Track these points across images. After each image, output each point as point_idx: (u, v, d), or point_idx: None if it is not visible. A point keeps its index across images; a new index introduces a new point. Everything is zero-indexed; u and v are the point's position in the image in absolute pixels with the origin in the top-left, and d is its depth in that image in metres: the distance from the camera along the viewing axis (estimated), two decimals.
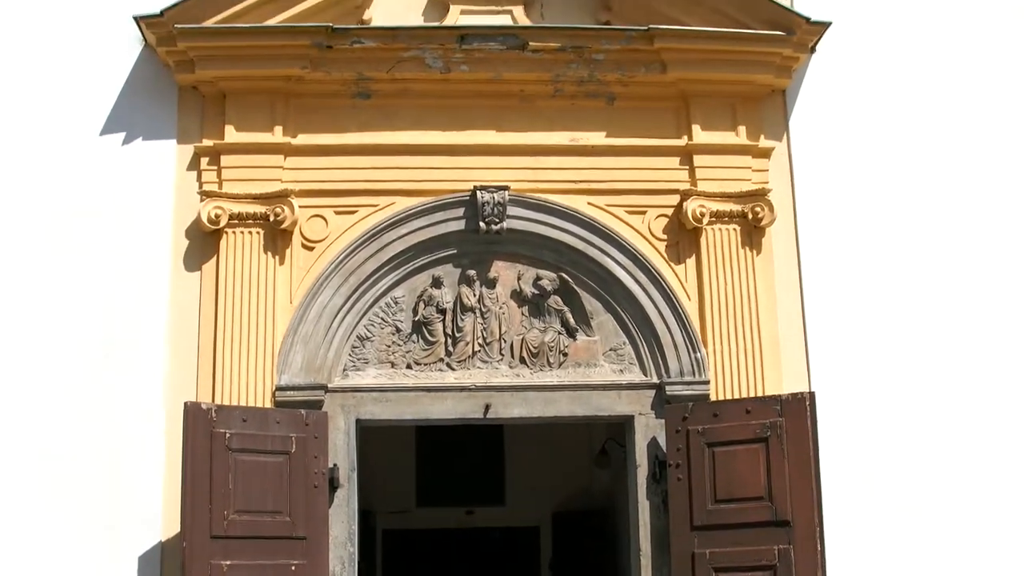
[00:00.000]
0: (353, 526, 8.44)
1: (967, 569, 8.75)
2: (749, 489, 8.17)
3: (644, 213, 9.03)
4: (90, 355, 8.55)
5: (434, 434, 12.38)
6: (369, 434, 8.96)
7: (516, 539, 13.76)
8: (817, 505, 8.07)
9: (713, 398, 8.63)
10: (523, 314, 8.92)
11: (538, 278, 8.94)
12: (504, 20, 9.22)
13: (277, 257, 8.71)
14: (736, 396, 8.60)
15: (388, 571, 13.35)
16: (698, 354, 8.74)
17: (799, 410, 8.19)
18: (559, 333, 8.90)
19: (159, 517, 8.31)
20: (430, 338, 8.80)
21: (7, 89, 8.93)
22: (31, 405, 8.45)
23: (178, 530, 7.94)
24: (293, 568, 8.04)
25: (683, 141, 9.11)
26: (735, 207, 8.93)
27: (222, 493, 7.89)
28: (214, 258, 8.69)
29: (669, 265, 8.93)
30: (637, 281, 8.88)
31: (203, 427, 7.93)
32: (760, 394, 8.58)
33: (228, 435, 7.98)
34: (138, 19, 8.79)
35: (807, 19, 9.07)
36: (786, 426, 8.17)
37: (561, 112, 9.13)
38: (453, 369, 8.77)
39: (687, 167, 9.07)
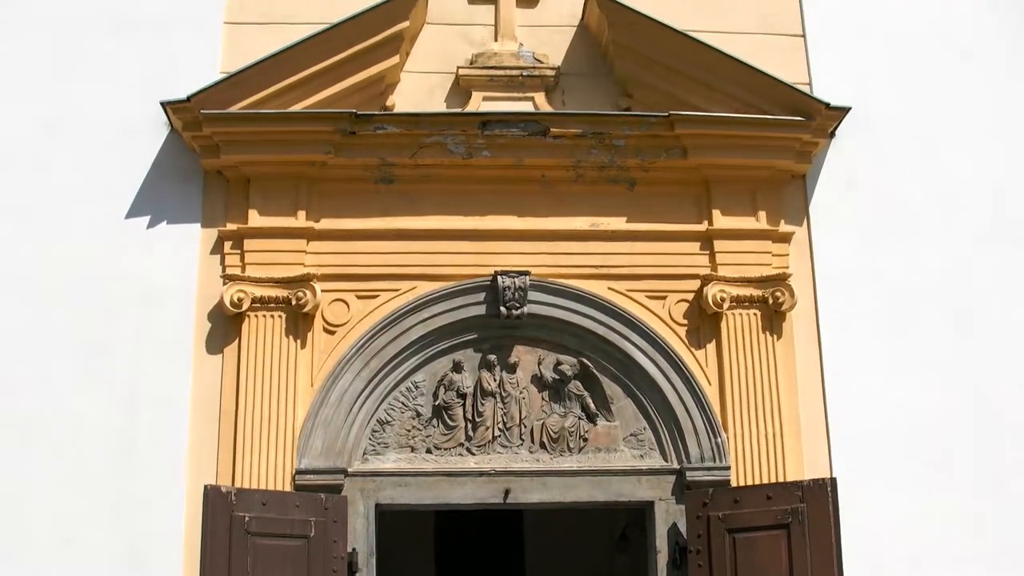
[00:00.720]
0: None
1: None
2: (771, 575, 8.04)
3: (664, 298, 8.98)
4: (113, 437, 8.51)
5: (454, 519, 12.23)
6: (388, 519, 8.86)
7: None
8: None
9: (734, 483, 8.54)
10: (543, 399, 8.86)
11: (558, 363, 8.88)
12: (526, 107, 9.25)
13: (299, 340, 8.68)
14: (757, 481, 8.53)
15: None
16: (719, 439, 8.65)
17: (821, 496, 8.08)
18: (579, 418, 8.82)
19: None
20: (450, 422, 8.74)
21: (35, 172, 8.98)
22: (54, 487, 8.39)
23: None
24: None
25: (703, 226, 9.09)
26: (755, 292, 8.89)
27: None
28: (236, 341, 8.67)
29: (689, 350, 8.87)
30: (657, 366, 8.82)
31: (223, 510, 7.86)
32: (781, 479, 8.49)
33: (247, 518, 7.90)
34: (165, 104, 8.84)
35: (826, 104, 9.07)
36: (808, 512, 8.07)
37: (582, 197, 9.12)
38: (473, 454, 8.69)
39: (707, 252, 9.05)
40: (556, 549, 13.14)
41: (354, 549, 8.29)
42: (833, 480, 8.19)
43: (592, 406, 8.83)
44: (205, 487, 7.94)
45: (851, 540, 8.26)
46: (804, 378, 8.89)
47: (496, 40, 9.52)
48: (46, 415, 8.52)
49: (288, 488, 8.34)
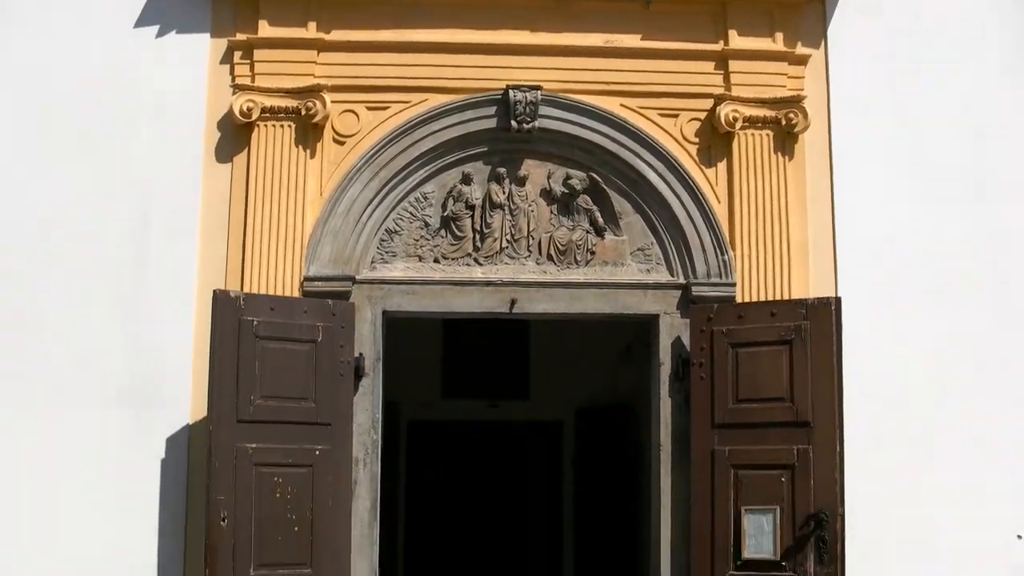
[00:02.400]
0: (377, 414, 8.36)
1: (986, 471, 8.64)
2: (771, 390, 8.05)
3: (677, 116, 8.79)
4: (123, 244, 8.46)
5: (461, 328, 12.33)
6: (396, 326, 8.84)
7: (539, 433, 13.68)
8: (838, 408, 7.95)
9: (739, 300, 8.48)
10: (552, 212, 8.73)
11: (568, 177, 8.73)
12: None
13: (308, 150, 8.55)
14: (762, 299, 8.45)
15: (412, 462, 13.35)
16: (725, 256, 8.55)
17: (824, 314, 8.04)
18: (587, 232, 8.72)
19: (187, 401, 8.26)
20: (458, 233, 8.64)
21: None
22: (64, 294, 8.38)
23: (205, 414, 7.91)
24: (317, 453, 7.98)
25: (719, 46, 8.84)
26: (769, 113, 8.68)
27: (249, 379, 7.82)
28: (245, 150, 8.54)
29: (700, 168, 8.72)
30: (667, 183, 8.67)
31: (231, 315, 7.84)
32: (785, 297, 8.41)
33: (256, 323, 7.89)
34: None
35: None
36: (811, 329, 8.02)
37: (596, 13, 8.86)
38: (480, 264, 8.61)
39: (722, 72, 8.81)
40: (561, 360, 13.18)
41: (361, 354, 8.28)
42: (838, 299, 8.12)
43: (600, 220, 8.71)
44: (214, 292, 7.92)
45: (852, 360, 8.22)
46: (813, 200, 8.73)
47: None
48: (55, 225, 8.45)
49: (296, 295, 8.30)
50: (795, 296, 8.41)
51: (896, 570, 8.46)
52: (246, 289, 8.23)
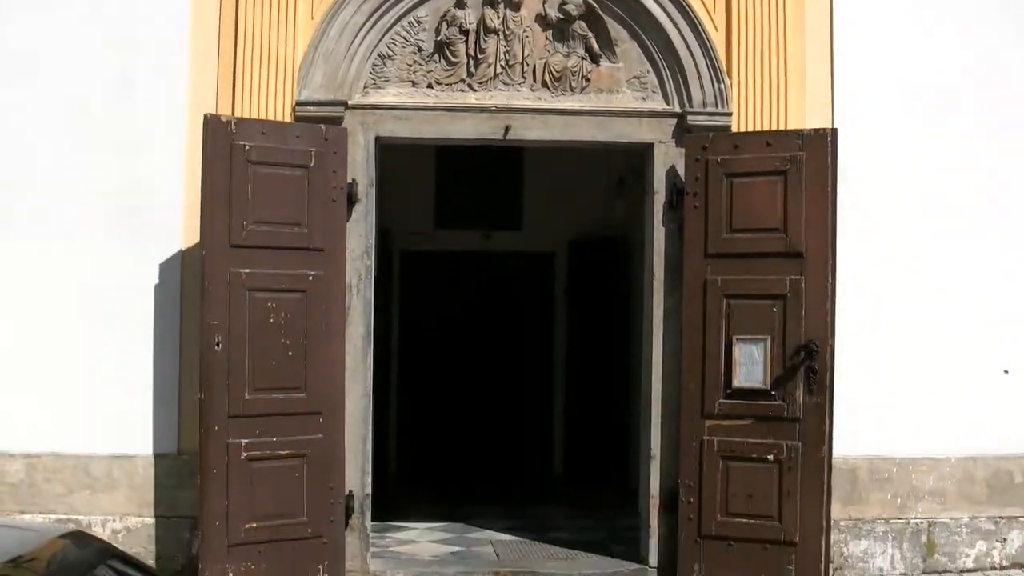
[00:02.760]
0: (370, 240, 8.36)
1: (977, 305, 8.73)
2: (765, 220, 8.06)
3: None
4: (112, 71, 8.33)
5: (454, 156, 12.19)
6: (389, 155, 8.83)
7: (532, 264, 13.69)
8: (831, 238, 7.98)
9: (734, 130, 8.41)
10: (547, 38, 8.58)
11: (564, 2, 8.55)
12: None
13: None
14: (758, 129, 8.38)
15: (405, 291, 13.38)
16: (722, 85, 8.46)
17: (820, 145, 7.99)
18: (582, 59, 8.58)
19: (180, 227, 8.27)
20: (452, 59, 8.51)
21: None
22: (53, 123, 8.31)
23: (198, 240, 7.91)
24: (310, 278, 8.00)
25: None
26: None
27: (241, 204, 7.80)
28: None
29: None
30: (664, 9, 8.51)
31: (223, 139, 7.78)
32: (782, 128, 8.34)
33: (247, 147, 7.83)
34: None
35: None
36: (806, 160, 7.99)
37: None
38: (474, 90, 8.51)
39: None
40: (555, 191, 13.13)
41: (354, 180, 8.23)
42: (834, 130, 8.08)
43: (596, 47, 8.57)
44: (205, 116, 7.83)
45: (846, 191, 8.22)
46: (813, 29, 8.58)
47: None
48: (43, 53, 8.31)
49: (289, 119, 8.21)
50: (791, 126, 8.35)
51: (885, 401, 8.58)
52: (238, 114, 8.14)
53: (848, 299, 8.28)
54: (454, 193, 13.36)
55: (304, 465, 7.99)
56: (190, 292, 8.09)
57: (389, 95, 8.46)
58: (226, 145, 7.77)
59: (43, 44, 8.30)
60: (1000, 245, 8.76)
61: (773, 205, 8.05)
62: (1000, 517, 8.74)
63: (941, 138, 8.72)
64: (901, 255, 8.66)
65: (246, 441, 7.80)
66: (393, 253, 12.68)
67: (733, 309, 8.10)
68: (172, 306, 8.25)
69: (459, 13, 8.50)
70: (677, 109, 8.53)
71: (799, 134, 8.11)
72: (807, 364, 7.95)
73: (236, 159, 7.79)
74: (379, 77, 8.48)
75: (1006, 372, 8.73)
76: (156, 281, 8.25)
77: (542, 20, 8.59)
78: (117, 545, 6.46)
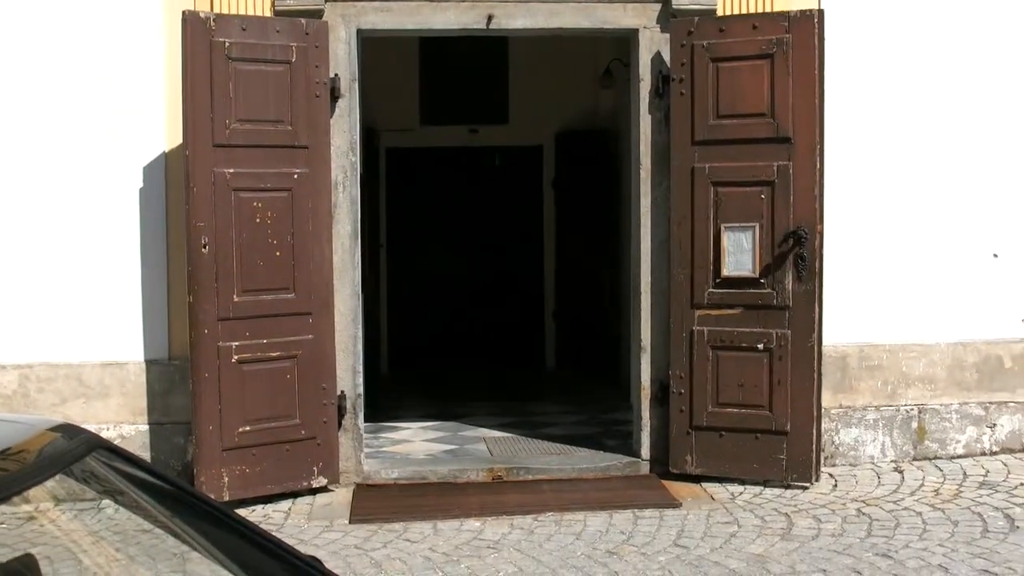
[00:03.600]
0: (355, 136, 8.36)
1: (964, 190, 8.79)
2: (752, 105, 8.05)
3: None
4: None
5: (438, 50, 12.24)
6: (372, 49, 8.80)
7: (519, 158, 13.75)
8: (819, 123, 7.98)
9: (720, 14, 8.37)
10: None
11: None
12: None
13: None
14: (744, 12, 8.36)
15: (392, 189, 13.42)
16: None
17: (807, 27, 7.95)
18: None
19: (161, 127, 8.25)
20: None
21: None
22: (26, 21, 8.24)
23: (181, 140, 7.91)
24: (295, 176, 8.03)
25: None
26: None
27: (223, 102, 7.78)
28: None
29: None
30: None
31: (202, 36, 7.74)
32: (768, 11, 8.32)
33: (228, 44, 7.79)
34: None
35: None
36: (793, 43, 7.96)
37: None
38: None
39: None
40: (540, 83, 13.13)
41: (336, 75, 8.21)
42: (820, 11, 8.04)
43: None
44: (183, 12, 7.77)
45: (834, 74, 8.25)
46: None
47: None
48: None
49: (268, 15, 8.16)
50: (778, 8, 8.32)
51: (875, 287, 8.69)
52: (216, 10, 8.09)
53: (837, 185, 8.35)
54: (439, 88, 13.38)
55: (295, 366, 8.07)
56: (175, 194, 8.11)
57: None
58: (206, 42, 7.73)
59: None
60: (990, 129, 8.78)
61: (760, 90, 8.03)
62: (990, 403, 8.86)
63: (932, 18, 8.71)
64: (890, 140, 8.68)
65: (236, 344, 7.88)
66: (379, 150, 12.68)
67: (721, 197, 8.12)
68: (157, 209, 8.27)
69: None
70: None
71: (785, 16, 8.06)
72: (796, 251, 7.99)
73: (216, 56, 7.75)
74: None
75: (995, 256, 8.81)
76: (140, 185, 8.27)
77: None
78: None
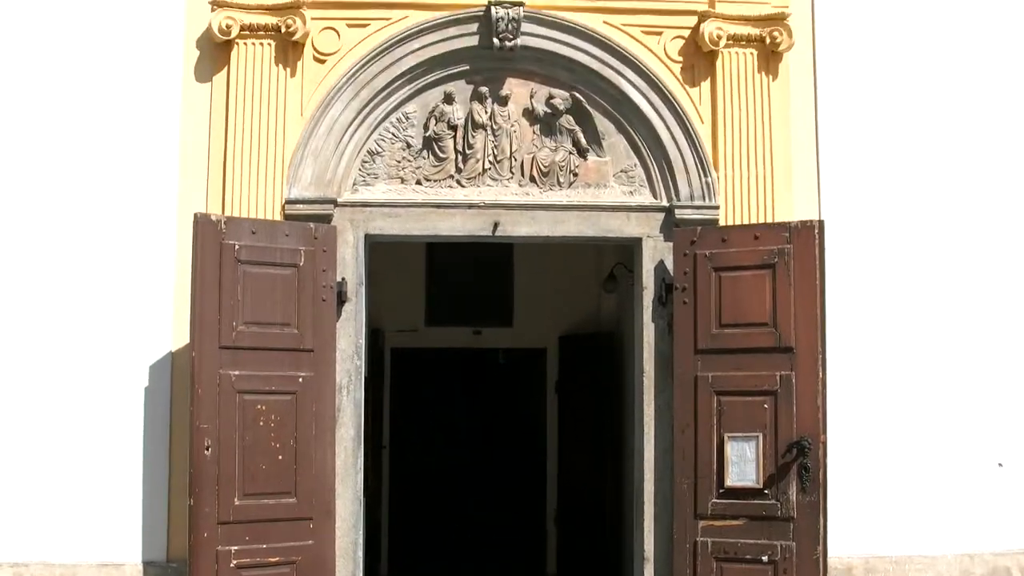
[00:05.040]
0: (360, 340, 8.51)
1: (969, 398, 8.87)
2: (754, 314, 8.20)
3: (660, 34, 8.86)
4: (101, 166, 8.55)
5: (444, 255, 12.47)
6: (379, 252, 9.01)
7: (523, 360, 13.92)
8: (821, 332, 8.09)
9: (723, 223, 8.62)
10: (534, 133, 8.84)
11: (551, 97, 8.83)
12: None
13: (288, 69, 8.62)
14: (746, 222, 8.60)
15: (396, 389, 13.53)
16: (709, 178, 8.68)
17: (808, 237, 8.16)
18: (570, 153, 8.83)
19: (169, 328, 8.41)
20: (440, 154, 8.76)
21: None
22: (42, 216, 8.50)
23: (187, 340, 8.04)
24: (300, 380, 8.15)
25: None
26: (753, 31, 8.77)
27: (231, 304, 7.96)
28: (225, 70, 8.61)
29: (683, 88, 8.81)
30: (650, 103, 8.77)
31: (212, 238, 7.96)
32: (770, 221, 8.56)
33: (237, 247, 8.01)
34: None
35: None
36: (794, 253, 8.16)
37: None
38: (463, 186, 8.74)
39: None
40: (545, 286, 13.37)
41: (343, 279, 8.41)
42: (821, 222, 8.24)
43: (583, 141, 8.83)
44: (195, 215, 8.00)
45: (835, 284, 8.46)
46: (798, 121, 8.85)
47: None
48: (34, 143, 8.55)
49: (278, 218, 8.42)
50: (779, 218, 8.56)
51: (879, 498, 8.69)
52: (227, 212, 8.34)
53: (840, 394, 8.46)
54: (444, 289, 13.59)
55: (294, 572, 8.06)
56: (180, 395, 8.20)
57: (378, 192, 8.69)
58: (216, 245, 7.95)
59: (30, 130, 8.56)
60: (991, 336, 8.91)
61: (762, 299, 8.20)
62: None
63: (929, 227, 8.93)
64: (893, 347, 8.81)
65: (236, 548, 7.87)
66: (384, 350, 12.84)
67: (724, 406, 8.19)
68: (162, 409, 8.36)
69: (447, 108, 8.77)
70: (665, 203, 8.75)
71: (786, 226, 8.28)
72: (800, 462, 8.03)
73: (226, 259, 7.96)
74: (368, 174, 8.72)
75: (1000, 465, 8.85)
76: (146, 384, 8.39)
77: (529, 115, 8.85)
78: None
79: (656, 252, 8.68)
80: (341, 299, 8.40)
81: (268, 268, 8.12)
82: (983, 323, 8.94)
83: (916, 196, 8.94)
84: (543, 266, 13.03)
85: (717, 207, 8.66)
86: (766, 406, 8.13)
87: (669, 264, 8.56)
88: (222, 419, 7.88)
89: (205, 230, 7.96)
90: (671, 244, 8.57)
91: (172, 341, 8.40)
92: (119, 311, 8.44)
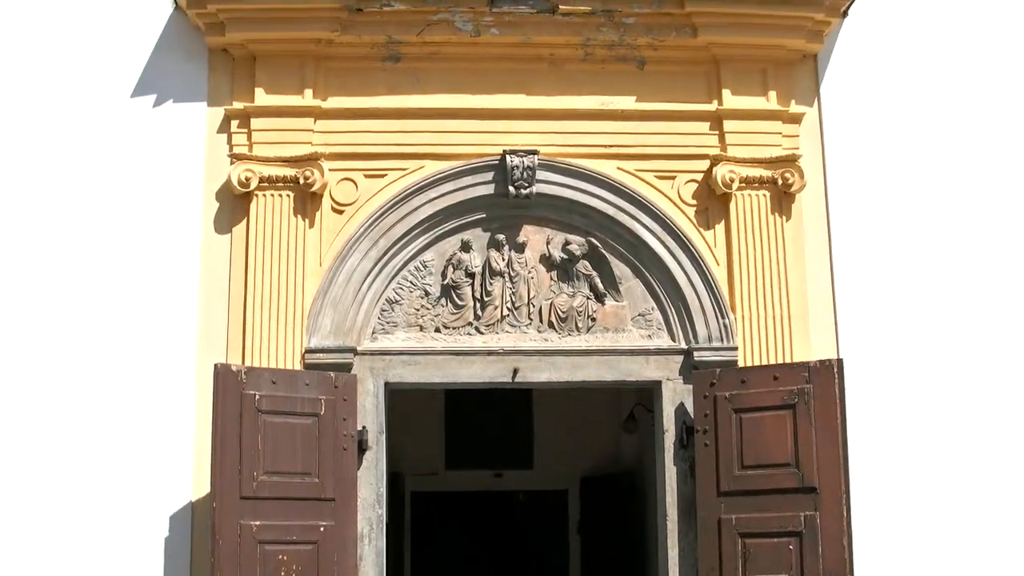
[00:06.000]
0: (381, 488, 8.52)
1: (997, 537, 8.79)
2: (776, 455, 8.21)
3: (674, 178, 9.02)
4: (123, 318, 8.66)
5: (463, 397, 12.42)
6: (398, 396, 9.03)
7: (544, 502, 13.91)
8: (844, 472, 8.08)
9: (741, 364, 8.65)
10: (552, 279, 8.96)
11: (567, 243, 8.96)
12: None
13: (307, 220, 8.76)
14: (764, 363, 8.63)
15: (417, 533, 13.52)
16: (726, 320, 8.76)
17: (827, 377, 8.20)
18: (587, 298, 8.93)
19: (190, 478, 8.43)
20: (459, 302, 8.86)
21: (38, 52, 9.03)
22: (66, 363, 8.58)
23: (208, 491, 8.08)
24: (322, 529, 8.14)
25: (713, 106, 9.08)
26: (765, 173, 8.91)
27: (251, 454, 8.00)
28: (244, 221, 8.76)
29: (698, 230, 8.93)
30: (666, 246, 8.89)
31: (233, 389, 8.02)
32: (788, 361, 8.59)
33: (258, 397, 8.08)
34: None
35: None
36: (814, 393, 8.19)
37: (591, 76, 9.12)
38: (481, 333, 8.83)
39: (717, 132, 9.05)
40: (564, 428, 13.41)
41: (364, 427, 8.46)
42: (840, 361, 8.29)
43: (600, 286, 8.93)
44: (215, 366, 8.07)
45: (856, 421, 8.47)
46: (813, 260, 8.95)
47: None
48: (56, 295, 8.67)
49: (298, 367, 8.48)
50: (797, 358, 8.60)
51: None
52: (247, 362, 8.42)
53: (866, 533, 8.42)
54: (464, 432, 13.63)
55: None
56: (200, 545, 8.19)
57: (398, 340, 8.77)
58: (236, 395, 8.01)
59: (55, 282, 8.72)
60: (1018, 473, 8.87)
61: (783, 440, 8.21)
62: None
63: (947, 365, 8.95)
64: (918, 485, 8.76)
65: None
66: (404, 494, 12.83)
67: (749, 548, 8.13)
68: (182, 560, 8.34)
69: (464, 256, 8.90)
70: (683, 345, 8.81)
71: (805, 366, 8.31)
72: None
73: (246, 409, 8.02)
74: (387, 322, 8.81)
75: None
76: (166, 534, 8.39)
77: (546, 261, 8.97)
78: None
79: (676, 395, 8.71)
80: (362, 447, 8.43)
81: (289, 417, 8.17)
82: (1008, 457, 8.89)
83: (936, 330, 8.98)
84: (562, 407, 13.06)
85: (735, 348, 8.72)
86: (791, 547, 8.08)
87: (689, 406, 8.60)
88: (243, 570, 7.84)
89: (226, 380, 8.03)
90: (691, 386, 8.61)
91: (192, 491, 8.41)
92: (140, 461, 8.46)
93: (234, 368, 8.15)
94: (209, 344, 8.60)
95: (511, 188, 8.82)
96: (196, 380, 8.53)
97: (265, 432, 8.09)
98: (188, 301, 8.69)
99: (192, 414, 8.51)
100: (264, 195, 8.76)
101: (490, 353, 8.77)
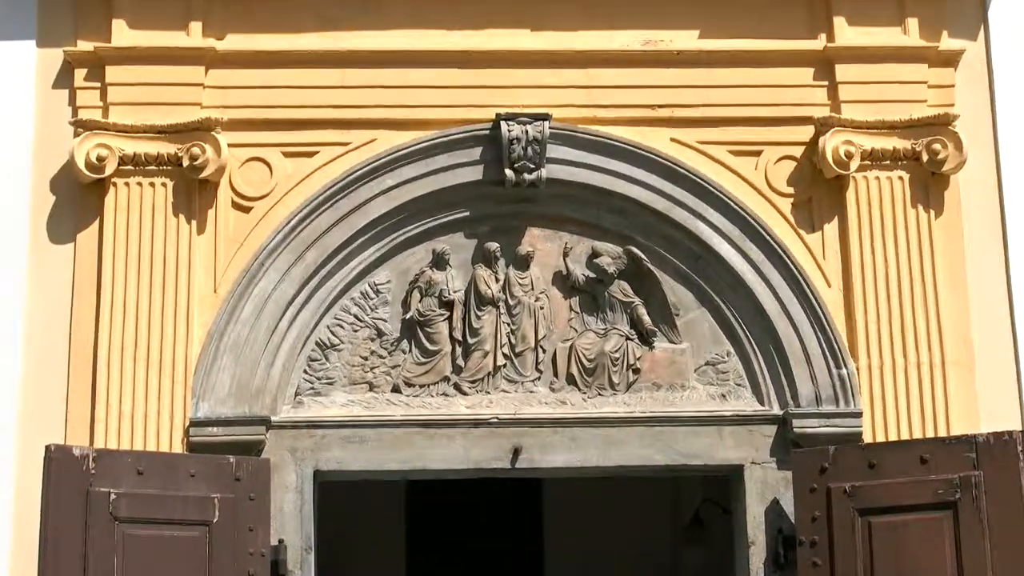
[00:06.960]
0: None
1: None
2: None
3: (758, 154, 8.90)
4: None
5: (436, 492, 12.33)
6: (337, 492, 8.76)
7: None
8: None
9: (867, 439, 8.41)
10: (571, 308, 8.77)
11: (594, 254, 8.77)
12: None
13: (194, 222, 8.60)
14: (903, 436, 8.38)
15: None
16: (844, 371, 8.53)
17: (1006, 458, 7.89)
18: (627, 338, 8.72)
19: None
20: (429, 346, 8.62)
21: None
22: None
23: None
24: None
25: (820, 43, 9.03)
26: (901, 144, 8.73)
27: None
28: (96, 223, 8.60)
29: (797, 233, 8.78)
30: (748, 258, 8.70)
31: (74, 484, 7.66)
32: (943, 434, 8.29)
33: (113, 496, 7.72)
34: None
35: None
36: (986, 482, 7.84)
37: (630, 2, 8.82)
38: (464, 393, 8.59)
39: (826, 83, 8.98)
40: (590, 535, 13.16)
41: (281, 541, 8.17)
42: (1022, 434, 7.86)
43: (646, 319, 8.64)
44: (47, 448, 7.71)
45: None
46: (979, 277, 8.68)
47: None
48: None
49: (178, 449, 8.14)
50: (957, 430, 8.22)
51: None
52: (98, 442, 8.08)
53: None
54: (436, 543, 13.43)
55: None
56: None
57: (335, 406, 8.57)
58: (80, 493, 7.65)
59: None
60: None
61: (939, 556, 7.85)
62: None
63: None
64: None
65: None
66: None
67: None
68: None
69: (437, 276, 8.67)
70: (777, 410, 8.62)
71: (971, 441, 7.99)
72: None
73: (96, 516, 7.65)
74: (318, 378, 8.60)
75: None
76: None
77: (563, 281, 8.76)
78: None
79: (766, 487, 8.47)
80: (278, 572, 7.96)
81: (163, 528, 7.86)
82: None
83: None
84: (588, 507, 12.90)
85: (859, 414, 8.48)
86: None
87: (788, 505, 8.33)
88: None
89: (63, 471, 7.67)
90: (789, 474, 8.35)
91: None
92: None
93: (76, 452, 7.81)
94: (37, 414, 8.32)
95: (509, 171, 8.70)
96: (15, 470, 8.19)
97: (126, 550, 7.74)
98: (7, 348, 8.34)
99: (8, 523, 8.12)
100: (126, 184, 8.63)
101: (477, 424, 8.54)
